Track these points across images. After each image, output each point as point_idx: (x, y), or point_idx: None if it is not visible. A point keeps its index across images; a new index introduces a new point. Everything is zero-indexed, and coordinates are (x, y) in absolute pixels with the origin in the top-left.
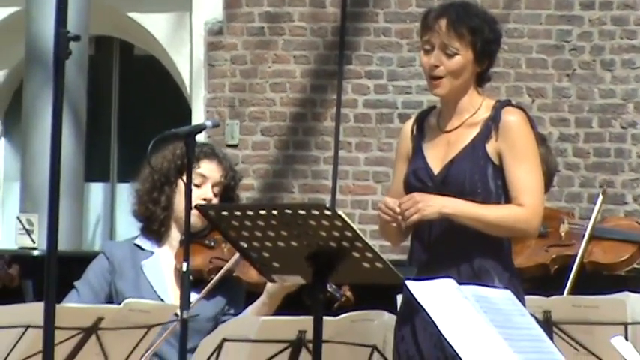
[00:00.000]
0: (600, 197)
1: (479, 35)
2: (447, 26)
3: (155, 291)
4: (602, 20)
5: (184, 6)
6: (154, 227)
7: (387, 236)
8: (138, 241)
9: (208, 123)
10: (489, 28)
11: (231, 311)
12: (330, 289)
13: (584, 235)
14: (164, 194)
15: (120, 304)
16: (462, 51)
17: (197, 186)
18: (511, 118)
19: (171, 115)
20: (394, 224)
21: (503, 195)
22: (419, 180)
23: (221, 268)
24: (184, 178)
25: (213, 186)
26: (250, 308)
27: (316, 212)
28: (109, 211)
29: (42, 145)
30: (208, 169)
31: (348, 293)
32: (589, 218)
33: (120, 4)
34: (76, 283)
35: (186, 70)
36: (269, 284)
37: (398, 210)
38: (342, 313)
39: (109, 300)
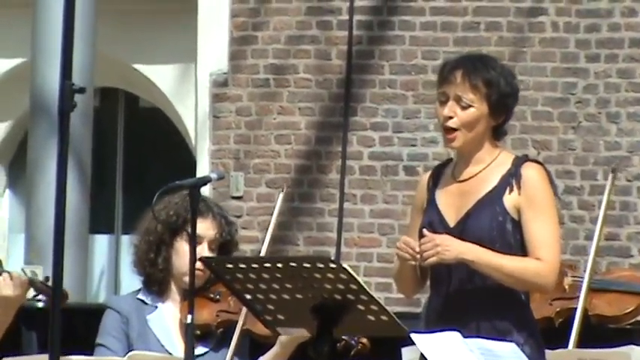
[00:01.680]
0: (611, 175)
1: (494, 88)
2: (463, 77)
3: (163, 345)
4: (607, 73)
5: (189, 57)
6: (153, 287)
7: (401, 283)
8: (141, 296)
9: (213, 175)
10: (506, 81)
11: None
12: (345, 337)
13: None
14: (161, 256)
15: None
16: (476, 103)
17: None
18: (532, 173)
19: (176, 167)
20: (412, 262)
21: (522, 250)
22: (434, 232)
23: (229, 320)
24: (182, 235)
25: (209, 244)
26: (263, 359)
27: (321, 265)
28: (114, 262)
29: (47, 197)
30: (203, 228)
31: (364, 340)
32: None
33: (125, 56)
34: (100, 341)
35: (191, 121)
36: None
37: (417, 249)
38: None
39: (130, 350)
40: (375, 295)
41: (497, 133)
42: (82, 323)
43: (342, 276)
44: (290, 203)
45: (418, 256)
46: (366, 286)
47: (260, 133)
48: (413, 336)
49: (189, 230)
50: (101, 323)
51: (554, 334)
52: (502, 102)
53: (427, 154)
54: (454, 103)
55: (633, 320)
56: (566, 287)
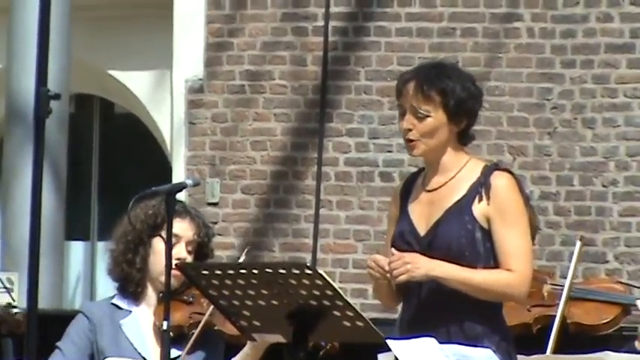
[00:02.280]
0: (578, 244)
1: (449, 96)
2: (415, 89)
3: (136, 349)
4: (583, 78)
5: (165, 64)
6: (130, 289)
7: (379, 297)
8: (115, 301)
9: (189, 181)
10: (462, 87)
11: None
12: None
13: (562, 294)
14: (138, 255)
15: None
16: (432, 112)
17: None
18: (501, 182)
19: (151, 173)
20: (383, 282)
21: (493, 258)
22: (405, 242)
23: (200, 322)
24: (161, 235)
25: (187, 244)
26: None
27: (297, 271)
28: (89, 269)
29: (22, 203)
30: (181, 228)
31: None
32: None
33: (100, 63)
34: (59, 344)
35: (166, 128)
36: None
37: (387, 268)
38: None
39: (92, 359)
40: (351, 301)
41: (463, 138)
42: (57, 329)
43: (318, 282)
44: (266, 209)
45: (388, 275)
46: (341, 292)
47: (236, 140)
48: (389, 342)
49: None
50: (68, 326)
51: (531, 340)
52: (460, 108)
53: (403, 160)
54: (411, 116)
55: (612, 330)
56: (545, 294)
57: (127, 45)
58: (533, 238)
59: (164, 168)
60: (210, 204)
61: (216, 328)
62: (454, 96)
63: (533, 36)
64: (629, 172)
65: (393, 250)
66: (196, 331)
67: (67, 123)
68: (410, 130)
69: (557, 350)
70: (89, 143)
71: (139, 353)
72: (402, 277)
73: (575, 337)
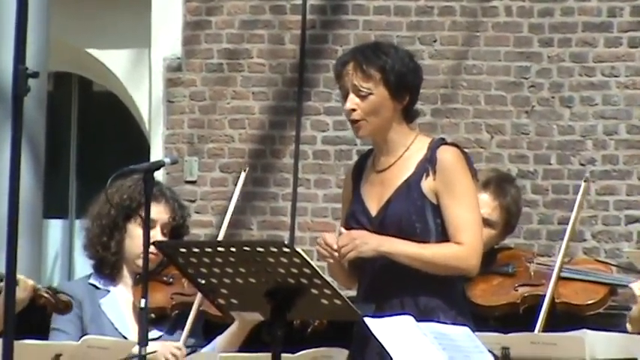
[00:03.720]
0: (583, 185)
1: (389, 72)
2: (354, 68)
3: (116, 328)
4: (561, 57)
5: (143, 42)
6: (105, 271)
7: (335, 277)
8: (92, 281)
9: (167, 159)
10: (402, 62)
11: (194, 343)
12: None
13: (553, 272)
14: (114, 239)
15: None
16: (374, 90)
17: None
18: (447, 156)
19: (130, 152)
20: (331, 261)
21: (444, 233)
22: (357, 222)
23: (184, 303)
24: (140, 215)
25: (162, 228)
26: (220, 338)
27: (274, 249)
28: (68, 247)
29: (0, 182)
30: (156, 212)
31: None
32: (547, 256)
33: (79, 41)
34: (55, 325)
35: (145, 106)
36: None
37: (335, 246)
38: (313, 342)
39: (84, 334)
40: (329, 279)
41: (407, 115)
42: (36, 308)
43: (296, 260)
44: (244, 187)
45: (336, 254)
46: (319, 271)
47: (214, 118)
48: (366, 320)
49: (143, 214)
50: None
51: (518, 319)
52: (400, 82)
53: None
54: (354, 95)
55: (599, 310)
56: (532, 273)
57: (105, 23)
58: (517, 218)
59: (142, 146)
60: (188, 182)
61: (201, 308)
62: (393, 71)
63: (511, 14)
64: (606, 150)
65: (341, 228)
66: (191, 314)
67: (46, 101)
68: (354, 110)
69: (545, 329)
70: (67, 121)
71: (120, 332)
72: (351, 254)
73: (562, 317)
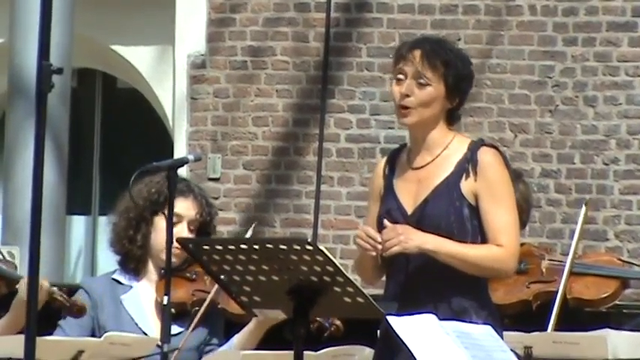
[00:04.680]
0: (584, 208)
1: (452, 69)
2: (422, 56)
3: (136, 324)
4: (585, 56)
5: (167, 39)
6: (131, 265)
7: (362, 272)
8: (116, 276)
9: (190, 156)
10: (462, 64)
11: (214, 341)
12: (319, 319)
13: (564, 269)
14: (140, 232)
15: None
16: (434, 82)
17: (173, 224)
18: (488, 158)
19: (153, 149)
20: (373, 253)
21: (480, 235)
22: (392, 219)
23: (205, 300)
24: (163, 212)
25: (189, 224)
26: (237, 337)
27: (298, 247)
28: (91, 244)
29: (24, 178)
30: (184, 208)
31: (338, 322)
32: (571, 244)
33: (103, 37)
34: (61, 322)
35: (168, 103)
36: None
37: (379, 239)
38: (329, 345)
39: (93, 335)
40: (352, 277)
41: (451, 117)
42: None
43: (319, 258)
44: (267, 185)
45: (379, 246)
46: (342, 268)
47: (237, 115)
48: (389, 318)
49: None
50: None
51: (531, 317)
52: (458, 84)
53: (404, 136)
54: (412, 81)
55: (611, 304)
56: (544, 270)
57: (129, 20)
58: (528, 214)
59: (166, 143)
60: (211, 179)
61: (220, 306)
62: (456, 70)
63: (535, 13)
64: (630, 150)
65: (385, 221)
66: (201, 309)
67: (69, 97)
68: (408, 96)
69: (558, 327)
70: (91, 118)
71: (140, 328)
72: (395, 249)
73: (575, 313)
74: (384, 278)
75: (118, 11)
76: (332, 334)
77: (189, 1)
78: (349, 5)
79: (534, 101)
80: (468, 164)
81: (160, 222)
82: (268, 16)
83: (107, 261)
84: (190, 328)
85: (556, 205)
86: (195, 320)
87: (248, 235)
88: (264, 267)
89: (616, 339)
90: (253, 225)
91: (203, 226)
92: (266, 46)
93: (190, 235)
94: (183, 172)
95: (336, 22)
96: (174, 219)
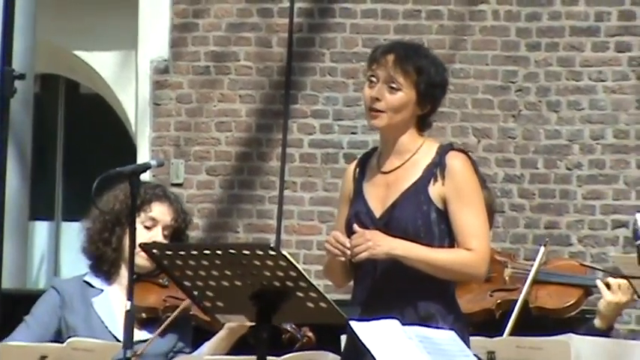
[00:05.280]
0: (542, 249)
1: (424, 76)
2: (395, 61)
3: (107, 327)
4: (548, 61)
5: (130, 44)
6: (104, 267)
7: (331, 275)
8: (87, 279)
9: (153, 162)
10: (436, 70)
11: (183, 347)
12: (290, 330)
13: (527, 280)
14: (115, 235)
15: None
16: (405, 88)
17: (148, 228)
18: (456, 162)
19: (116, 154)
20: (342, 259)
21: (447, 239)
22: (361, 223)
23: (176, 306)
24: (140, 214)
25: (163, 229)
26: (208, 344)
27: (260, 252)
28: (54, 249)
29: None
30: (160, 212)
31: (310, 334)
32: (533, 260)
33: (66, 43)
34: (26, 318)
35: (131, 108)
36: None
37: (348, 244)
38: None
39: (59, 335)
40: (315, 282)
41: (422, 124)
42: (21, 309)
43: (282, 263)
44: (230, 190)
45: (348, 252)
46: (305, 274)
47: (200, 121)
48: (352, 323)
49: (148, 213)
50: (38, 300)
51: (494, 325)
52: (430, 91)
53: (367, 141)
54: (383, 86)
55: (575, 312)
56: (507, 279)
57: (92, 25)
58: (491, 219)
59: (129, 148)
60: (174, 185)
61: (192, 312)
62: (429, 77)
63: (499, 19)
64: (593, 155)
65: (355, 226)
66: (172, 315)
67: (32, 103)
68: (378, 100)
69: (514, 332)
70: (54, 123)
71: (110, 332)
72: (363, 255)
73: (539, 319)
74: (352, 283)
75: (81, 17)
76: (304, 345)
77: (152, 6)
78: (312, 11)
79: (497, 106)
80: (437, 168)
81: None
82: (231, 22)
83: (70, 266)
84: (156, 333)
85: (519, 210)
86: (163, 326)
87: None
88: (227, 272)
89: (579, 344)
90: None
91: (177, 233)
92: (229, 51)
93: (164, 241)
94: (146, 177)
95: (299, 28)
96: (149, 223)
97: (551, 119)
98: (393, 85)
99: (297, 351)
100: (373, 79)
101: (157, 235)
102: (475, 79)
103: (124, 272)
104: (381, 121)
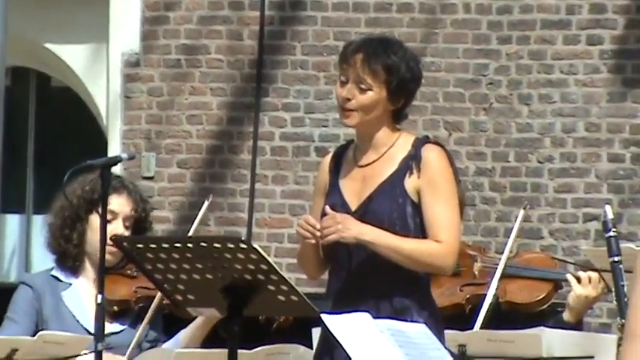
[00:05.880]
0: (522, 212)
1: (394, 74)
2: (363, 61)
3: (78, 320)
4: (519, 54)
5: (101, 37)
6: (68, 263)
7: (305, 265)
8: (54, 273)
9: (124, 155)
10: (407, 66)
11: (155, 336)
12: None
13: (494, 274)
14: (75, 231)
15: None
16: (375, 87)
17: (108, 222)
18: (431, 155)
19: (87, 147)
20: (312, 241)
21: (423, 232)
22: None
23: (147, 296)
24: (97, 210)
25: (124, 220)
26: (183, 332)
27: (232, 245)
28: (25, 242)
29: None
30: (118, 204)
31: None
32: (504, 250)
33: (36, 35)
34: (10, 315)
35: (102, 101)
36: None
37: (318, 227)
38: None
39: (39, 328)
40: (286, 275)
41: (397, 117)
42: None
43: (253, 256)
44: (201, 183)
45: (318, 233)
46: (276, 267)
47: (172, 114)
48: (323, 316)
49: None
50: (12, 297)
51: (464, 320)
52: (402, 87)
53: (339, 134)
54: (353, 86)
55: (545, 306)
56: (476, 273)
57: (63, 18)
58: (461, 213)
59: (100, 141)
60: (145, 178)
61: (165, 302)
62: (399, 75)
63: (470, 11)
64: (564, 148)
65: (327, 208)
66: (153, 304)
67: (3, 96)
68: (349, 99)
69: (485, 326)
70: (25, 116)
71: (81, 325)
72: (332, 237)
73: (510, 312)
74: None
75: (52, 9)
76: (281, 325)
77: None
78: (283, 3)
79: (469, 99)
80: (412, 161)
81: (96, 220)
82: (203, 15)
83: (41, 259)
84: (144, 324)
85: (490, 204)
86: (149, 315)
87: (204, 206)
88: (198, 265)
89: (551, 337)
90: (210, 197)
91: (138, 222)
92: (200, 44)
93: (126, 232)
94: (117, 170)
95: (271, 21)
96: (109, 216)
97: (522, 112)
98: (363, 86)
99: (274, 331)
100: (343, 78)
101: (118, 228)
102: (446, 73)
103: (88, 266)
104: (353, 120)
